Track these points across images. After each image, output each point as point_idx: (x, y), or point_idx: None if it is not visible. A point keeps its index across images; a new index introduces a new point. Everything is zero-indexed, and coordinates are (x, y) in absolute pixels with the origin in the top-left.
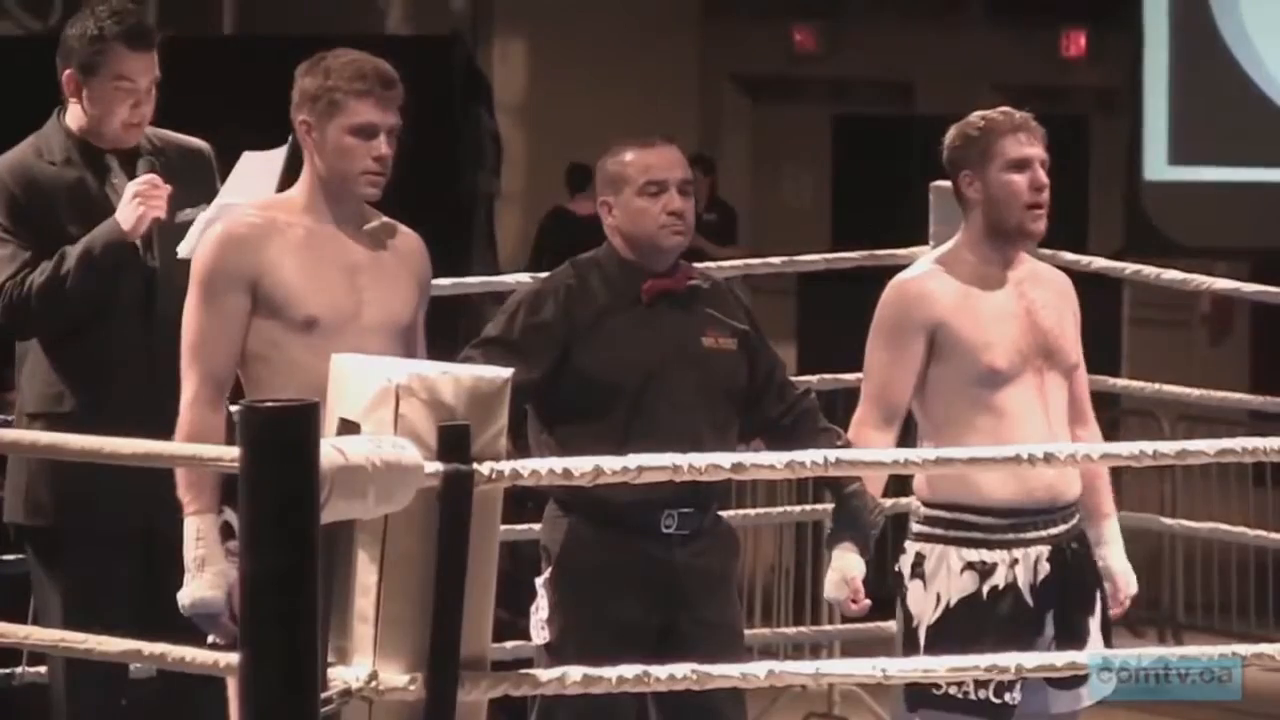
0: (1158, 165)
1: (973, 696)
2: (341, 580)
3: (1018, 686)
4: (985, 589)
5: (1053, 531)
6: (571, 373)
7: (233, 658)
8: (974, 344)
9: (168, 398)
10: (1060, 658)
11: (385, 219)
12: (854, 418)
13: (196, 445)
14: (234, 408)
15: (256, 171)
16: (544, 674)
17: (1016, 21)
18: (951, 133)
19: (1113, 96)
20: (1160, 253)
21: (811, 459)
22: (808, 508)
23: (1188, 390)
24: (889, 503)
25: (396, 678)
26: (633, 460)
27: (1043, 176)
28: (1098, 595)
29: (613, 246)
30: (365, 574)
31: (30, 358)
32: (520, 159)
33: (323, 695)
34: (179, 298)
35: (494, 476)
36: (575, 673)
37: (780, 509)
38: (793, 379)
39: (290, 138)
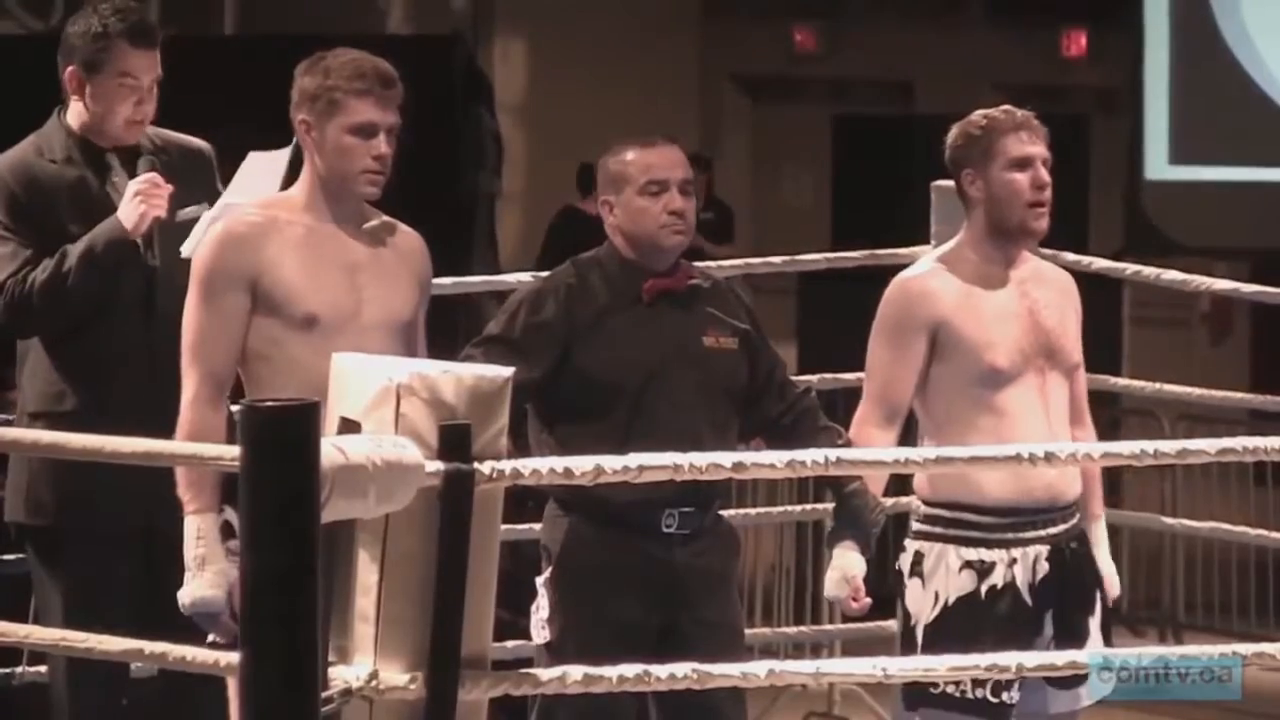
0: (1158, 165)
1: (970, 695)
2: (342, 579)
3: (1015, 686)
4: (983, 588)
5: (1052, 531)
6: (572, 372)
7: (233, 657)
8: (976, 343)
9: (168, 397)
10: (1061, 657)
11: (385, 218)
12: (856, 416)
13: (197, 444)
14: (235, 407)
15: (261, 171)
16: (544, 673)
17: (1016, 21)
18: (954, 131)
19: (1113, 96)
20: (1161, 252)
21: (812, 458)
22: (808, 507)
23: (1188, 390)
24: (889, 502)
25: (397, 677)
26: (633, 460)
27: (1045, 175)
28: (1097, 595)
29: (613, 246)
30: (366, 573)
31: (31, 356)
32: (521, 159)
33: (323, 694)
34: (180, 297)
35: (495, 476)
36: (576, 672)
37: (781, 508)
38: (793, 378)
39: (295, 137)
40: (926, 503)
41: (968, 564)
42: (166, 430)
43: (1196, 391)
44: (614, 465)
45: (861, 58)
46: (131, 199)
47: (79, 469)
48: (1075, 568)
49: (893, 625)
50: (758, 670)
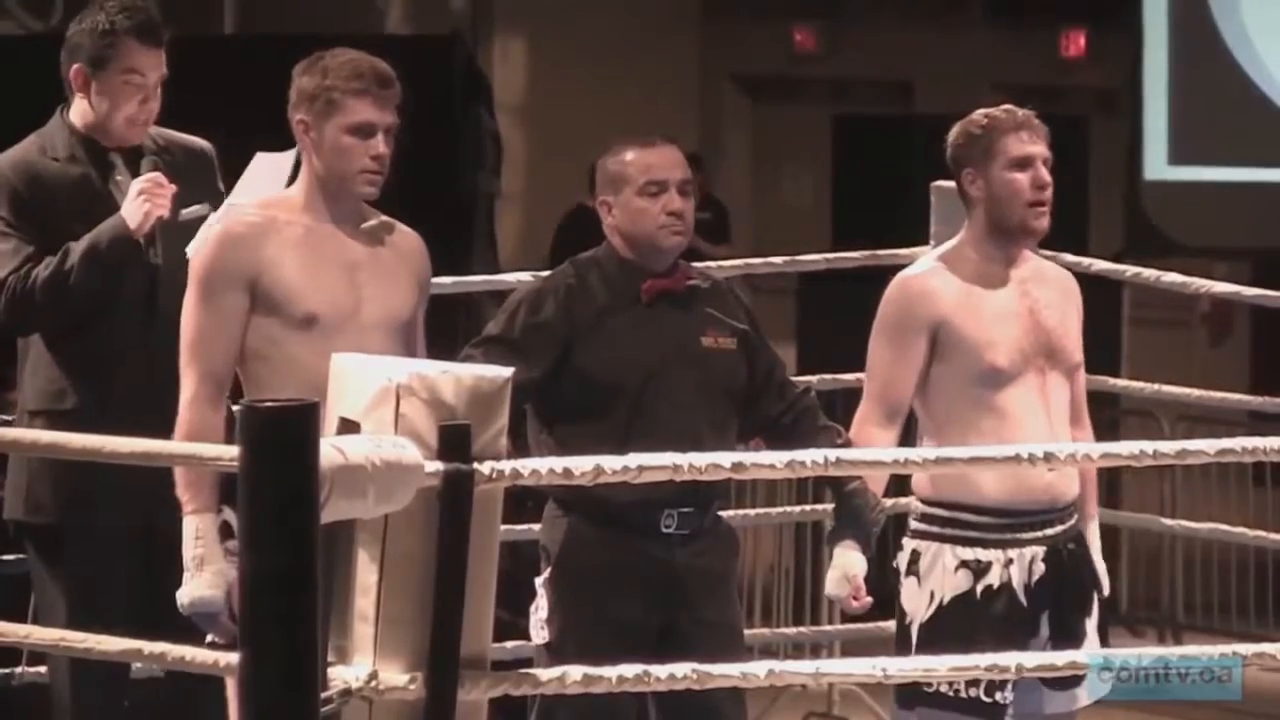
0: (1158, 165)
1: (964, 695)
2: (342, 579)
3: (1009, 686)
4: (979, 588)
5: (1049, 532)
6: (571, 372)
7: (233, 657)
8: (976, 342)
9: (168, 396)
10: (1060, 657)
11: (384, 217)
12: (856, 415)
13: (196, 444)
14: (236, 407)
15: (267, 172)
16: (544, 674)
17: (1016, 21)
18: (955, 131)
19: (1113, 97)
20: (1161, 253)
21: (812, 459)
22: (808, 508)
23: (1187, 390)
24: (889, 503)
25: (397, 677)
26: (633, 460)
27: (1045, 175)
28: (1094, 596)
29: (612, 246)
30: (365, 573)
31: (32, 354)
32: (520, 159)
33: (323, 695)
34: (181, 296)
35: (494, 476)
36: (575, 672)
37: (780, 509)
38: (792, 378)
39: None
40: (924, 501)
41: (964, 563)
42: (166, 430)
43: (1196, 392)
44: (614, 465)
45: (861, 58)
46: (136, 197)
47: (78, 467)
48: (1072, 569)
49: (892, 625)
50: (757, 670)
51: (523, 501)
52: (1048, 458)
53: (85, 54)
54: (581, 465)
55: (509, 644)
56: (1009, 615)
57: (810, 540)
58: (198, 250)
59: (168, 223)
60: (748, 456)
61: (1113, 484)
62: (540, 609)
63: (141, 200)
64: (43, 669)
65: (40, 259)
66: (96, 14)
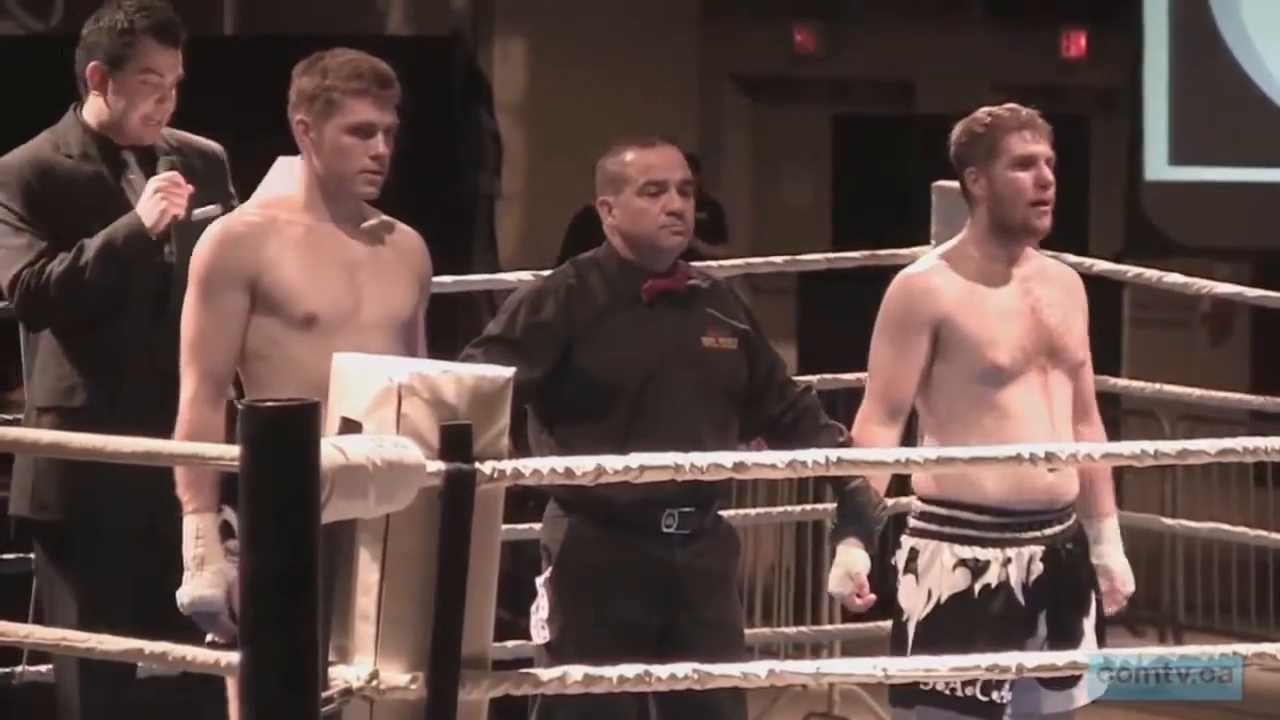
0: (1158, 165)
1: (960, 693)
2: (343, 579)
3: (1007, 685)
4: (977, 586)
5: (1047, 532)
6: (572, 372)
7: (233, 657)
8: (978, 340)
9: (173, 396)
10: (1060, 657)
11: (384, 217)
12: (858, 414)
13: (197, 444)
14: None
15: (287, 175)
16: (545, 673)
17: (1016, 21)
18: (958, 129)
19: (1113, 97)
20: (1161, 253)
21: (813, 458)
22: (808, 507)
23: (1188, 390)
24: (890, 502)
25: (398, 677)
26: (634, 460)
27: (1048, 174)
28: (1092, 596)
29: (612, 246)
30: (367, 573)
31: (42, 351)
32: (520, 159)
33: (324, 694)
34: None
35: (496, 476)
36: (576, 672)
37: (781, 509)
38: (793, 378)
39: None
40: (924, 500)
41: (962, 562)
42: (172, 430)
43: (1197, 392)
44: (615, 465)
45: (861, 58)
46: (152, 195)
47: (84, 466)
48: (1070, 569)
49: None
50: (758, 670)
51: (523, 501)
52: (1049, 458)
53: (102, 52)
54: (583, 465)
55: (510, 644)
56: (1006, 614)
57: (811, 540)
58: (197, 250)
59: (182, 223)
60: (749, 456)
61: (1114, 484)
62: (541, 609)
63: (158, 198)
64: (43, 668)
65: (54, 255)
66: (115, 12)
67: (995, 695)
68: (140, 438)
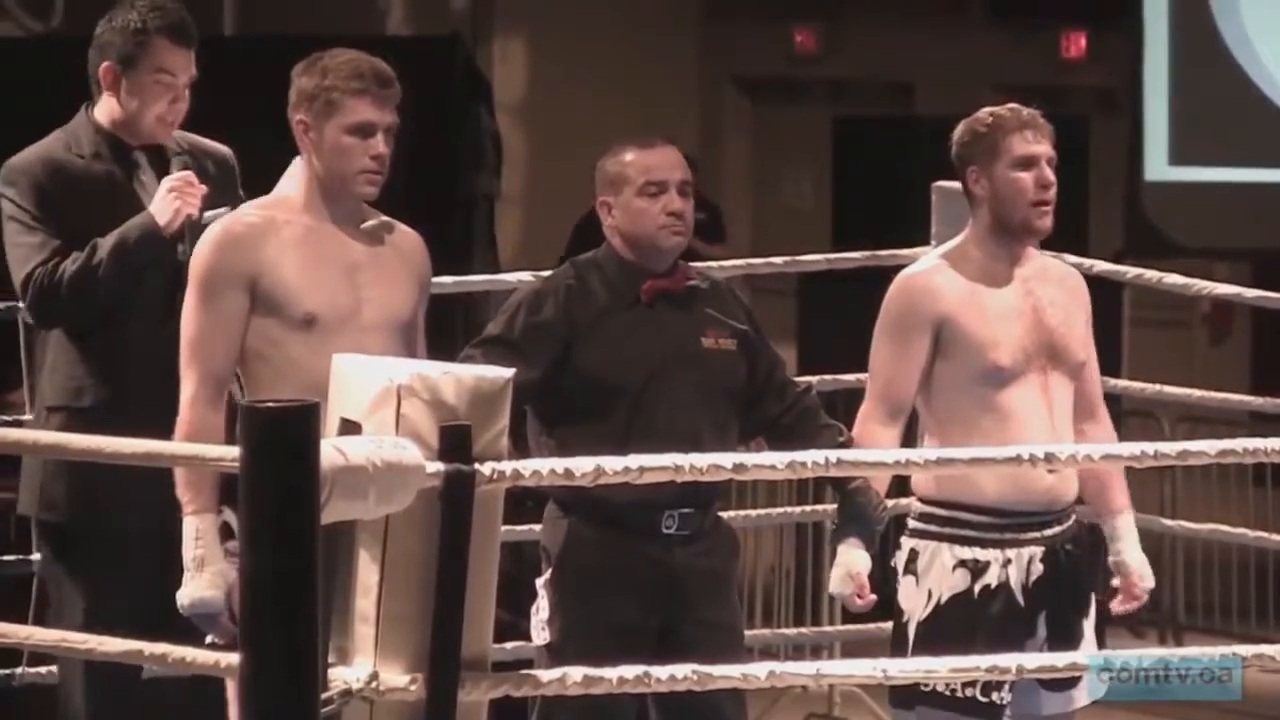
0: (1158, 166)
1: (960, 694)
2: (342, 580)
3: (1006, 686)
4: (977, 587)
5: (1047, 533)
6: (572, 373)
7: (233, 658)
8: (978, 340)
9: (178, 396)
10: (1061, 658)
11: (384, 217)
12: (859, 413)
13: (197, 445)
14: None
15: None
16: (545, 675)
17: (1016, 22)
18: (960, 128)
19: (1113, 98)
20: (1161, 253)
21: (813, 459)
22: (808, 508)
23: (1188, 391)
24: (891, 503)
25: (397, 678)
26: (634, 461)
27: (1049, 175)
28: (1092, 598)
29: (612, 247)
30: (366, 574)
31: (52, 350)
32: (520, 160)
33: (323, 695)
34: None
35: (495, 477)
36: (576, 673)
37: (781, 510)
38: (793, 378)
39: None
40: (923, 501)
41: (962, 563)
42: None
43: (1196, 393)
44: (614, 466)
45: (861, 59)
46: (166, 195)
47: (93, 467)
48: (1070, 570)
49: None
50: (758, 671)
51: (522, 501)
52: (1048, 459)
53: (115, 52)
54: (582, 466)
55: (509, 645)
56: (1006, 615)
57: (811, 541)
58: (196, 251)
59: (194, 223)
60: (749, 457)
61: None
62: (541, 610)
63: (172, 197)
64: (43, 670)
65: (67, 254)
66: (128, 13)
67: (995, 696)
68: (145, 438)
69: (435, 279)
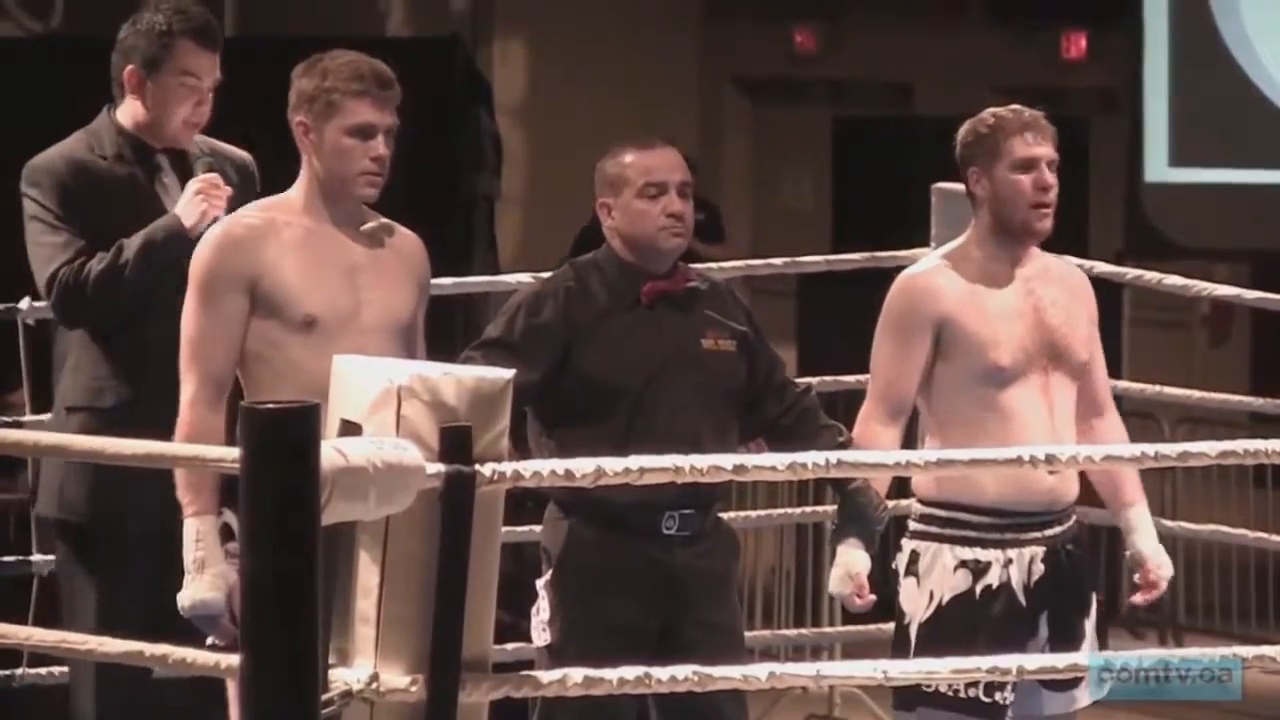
0: (1158, 167)
1: (962, 695)
2: (343, 581)
3: (1009, 686)
4: (978, 588)
5: (1048, 533)
6: (571, 374)
7: (233, 659)
8: (979, 341)
9: None
10: (1063, 659)
11: (384, 219)
12: (860, 413)
13: (198, 446)
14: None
15: None
16: (545, 676)
17: (1016, 22)
18: (963, 129)
19: (1113, 98)
20: (1161, 254)
21: (813, 460)
22: (808, 509)
23: (1188, 392)
24: (891, 504)
25: (398, 679)
26: (634, 462)
27: (1049, 177)
28: (1093, 598)
29: (612, 248)
30: (367, 575)
31: (75, 350)
32: (520, 161)
33: (324, 697)
34: None
35: (496, 478)
36: (576, 674)
37: (781, 511)
38: (793, 379)
39: None
40: (924, 502)
41: (963, 564)
42: None
43: (1197, 394)
44: (615, 467)
45: (861, 59)
46: (193, 197)
47: (111, 469)
48: (1071, 570)
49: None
50: (758, 672)
51: (522, 502)
52: (1049, 460)
53: (139, 55)
54: (583, 467)
55: (510, 646)
56: (1008, 616)
57: (811, 542)
58: (196, 253)
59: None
60: (749, 458)
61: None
62: (541, 611)
63: (199, 199)
64: (43, 670)
65: (92, 254)
66: (152, 15)
67: (998, 696)
68: (165, 440)
69: (435, 280)
